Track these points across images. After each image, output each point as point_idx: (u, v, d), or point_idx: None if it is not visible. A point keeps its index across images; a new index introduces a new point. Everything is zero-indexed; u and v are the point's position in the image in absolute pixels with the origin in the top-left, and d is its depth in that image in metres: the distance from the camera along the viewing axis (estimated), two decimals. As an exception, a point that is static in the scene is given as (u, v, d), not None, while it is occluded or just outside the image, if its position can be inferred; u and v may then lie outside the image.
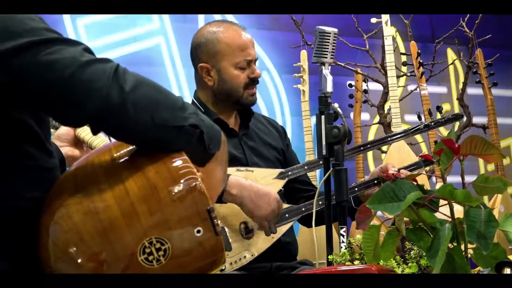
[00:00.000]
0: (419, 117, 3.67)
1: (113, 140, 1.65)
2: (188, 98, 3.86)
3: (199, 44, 2.96)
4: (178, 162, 1.59)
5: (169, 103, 1.58)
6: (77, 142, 2.17)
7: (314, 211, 2.52)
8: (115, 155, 1.62)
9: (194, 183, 1.57)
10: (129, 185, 1.55)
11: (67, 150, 2.10)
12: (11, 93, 1.53)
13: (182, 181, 1.57)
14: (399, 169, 2.91)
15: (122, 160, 1.61)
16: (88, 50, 1.56)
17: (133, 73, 1.57)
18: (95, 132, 1.58)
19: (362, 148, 3.05)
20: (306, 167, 2.96)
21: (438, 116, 3.20)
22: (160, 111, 1.56)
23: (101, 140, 2.11)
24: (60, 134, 2.14)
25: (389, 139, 3.12)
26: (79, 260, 1.52)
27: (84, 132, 2.16)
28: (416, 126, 3.08)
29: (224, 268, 2.67)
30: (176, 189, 1.56)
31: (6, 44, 1.51)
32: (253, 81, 2.94)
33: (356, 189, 2.94)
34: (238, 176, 2.75)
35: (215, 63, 2.93)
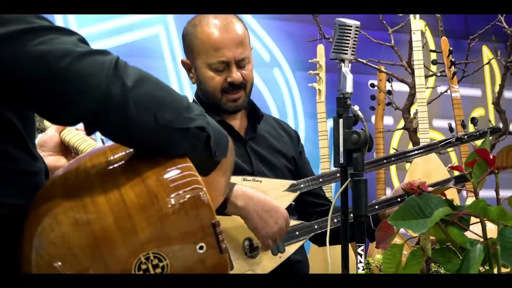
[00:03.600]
0: (451, 129, 3.68)
1: (104, 143, 1.65)
2: (190, 97, 3.87)
3: (182, 37, 2.98)
4: (181, 169, 1.59)
5: (174, 103, 1.59)
6: (64, 149, 2.15)
7: (328, 227, 2.51)
8: (111, 158, 1.62)
9: (199, 193, 1.57)
10: (125, 193, 1.56)
11: (50, 160, 2.06)
12: None
13: (185, 190, 1.57)
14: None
15: (119, 164, 1.61)
16: (84, 41, 1.58)
17: (135, 68, 1.58)
18: (90, 132, 1.58)
19: (379, 162, 3.07)
20: (321, 180, 2.96)
21: (473, 128, 3.23)
22: (165, 110, 1.57)
23: (89, 143, 2.09)
24: (43, 142, 2.11)
25: (416, 152, 3.14)
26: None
27: (70, 134, 2.13)
28: (447, 140, 3.10)
29: None
30: (179, 199, 1.56)
31: None
32: (232, 86, 2.89)
33: (376, 207, 2.94)
34: (245, 186, 2.74)
35: (192, 60, 2.93)
